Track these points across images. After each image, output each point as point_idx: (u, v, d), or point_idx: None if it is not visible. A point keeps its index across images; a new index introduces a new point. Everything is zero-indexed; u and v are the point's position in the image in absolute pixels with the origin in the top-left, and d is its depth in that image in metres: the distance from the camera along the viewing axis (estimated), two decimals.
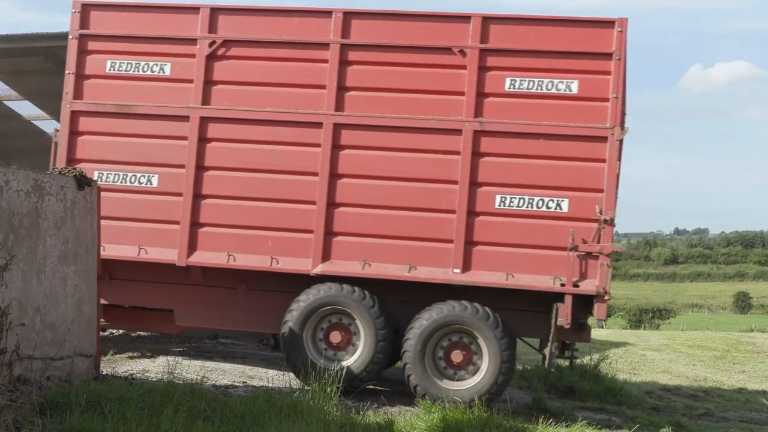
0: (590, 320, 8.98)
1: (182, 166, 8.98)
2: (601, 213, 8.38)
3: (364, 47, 8.87)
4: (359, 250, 8.73)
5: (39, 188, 6.66)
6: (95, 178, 8.47)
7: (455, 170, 8.62)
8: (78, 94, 9.21)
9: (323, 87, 8.87)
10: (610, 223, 8.40)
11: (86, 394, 6.08)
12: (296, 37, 8.96)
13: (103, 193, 7.86)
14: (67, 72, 9.21)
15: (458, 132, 8.64)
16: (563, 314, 8.32)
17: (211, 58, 9.05)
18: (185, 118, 9.01)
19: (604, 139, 8.46)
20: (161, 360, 9.52)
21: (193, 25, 9.10)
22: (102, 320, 8.84)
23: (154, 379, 7.79)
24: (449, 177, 8.64)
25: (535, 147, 8.57)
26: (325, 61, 8.88)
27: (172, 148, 9.03)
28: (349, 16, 8.90)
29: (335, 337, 8.78)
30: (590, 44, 8.57)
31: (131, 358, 9.71)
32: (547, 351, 8.64)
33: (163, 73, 9.14)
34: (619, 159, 8.54)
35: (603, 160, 8.46)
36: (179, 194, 8.97)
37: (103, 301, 8.65)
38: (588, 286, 8.34)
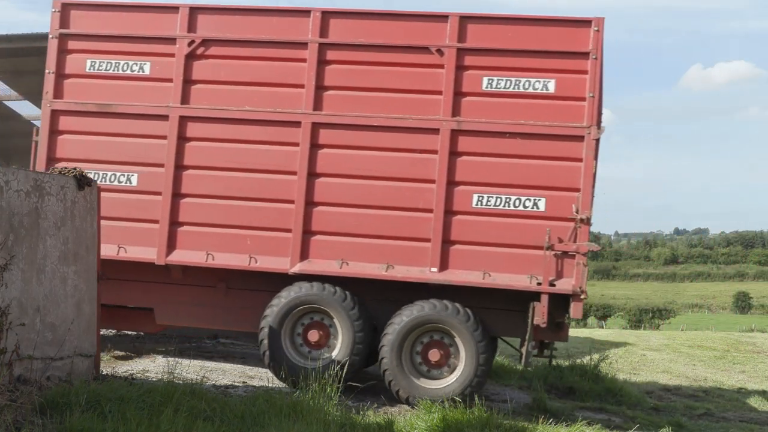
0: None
1: (161, 165, 9.02)
2: (577, 212, 8.40)
3: (342, 46, 8.90)
4: (337, 249, 8.75)
5: (39, 188, 6.68)
6: None
7: (433, 169, 8.64)
8: (58, 94, 9.24)
9: (302, 86, 8.89)
10: (587, 222, 8.42)
11: (86, 394, 6.10)
12: (275, 37, 8.99)
13: None
14: (47, 71, 9.24)
15: (436, 131, 8.66)
16: (539, 313, 8.33)
17: (191, 57, 9.07)
18: (164, 118, 9.04)
19: (580, 138, 8.48)
20: (161, 360, 9.56)
21: (173, 24, 9.12)
22: None
23: (154, 379, 7.82)
24: (427, 176, 8.66)
25: (512, 146, 8.59)
26: (304, 60, 8.91)
27: (151, 148, 9.06)
28: (327, 15, 8.93)
29: (313, 335, 8.80)
30: (567, 44, 8.59)
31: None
32: (523, 350, 8.67)
33: (143, 72, 9.17)
34: (596, 158, 8.56)
35: (580, 160, 8.48)
36: (158, 193, 9.00)
37: None
38: (564, 285, 8.36)
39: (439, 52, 8.72)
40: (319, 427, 6.48)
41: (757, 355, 19.54)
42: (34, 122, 20.74)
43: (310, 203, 8.81)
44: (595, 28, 8.53)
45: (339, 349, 8.70)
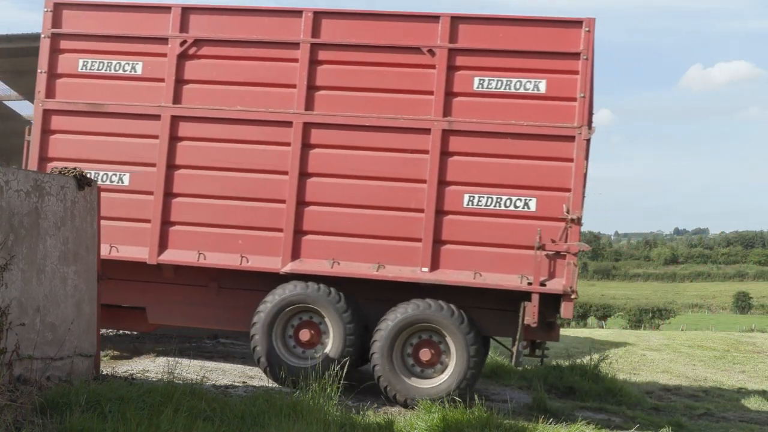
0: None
1: (153, 165, 9.03)
2: (568, 212, 8.41)
3: (334, 47, 8.91)
4: (328, 249, 8.77)
5: (39, 188, 6.68)
6: None
7: (424, 169, 8.66)
8: (50, 93, 9.26)
9: (293, 86, 8.91)
10: (578, 222, 8.43)
11: (86, 394, 6.10)
12: (267, 37, 9.00)
13: None
14: (39, 71, 9.26)
15: (427, 131, 8.68)
16: (530, 313, 8.35)
17: (183, 57, 9.09)
18: (156, 117, 9.06)
19: (571, 138, 8.50)
20: (161, 360, 9.57)
21: (165, 24, 9.14)
22: None
23: (154, 379, 7.82)
24: (418, 176, 8.68)
25: (503, 146, 8.61)
26: (296, 60, 8.92)
27: (143, 147, 9.08)
28: (319, 15, 8.95)
29: (305, 335, 8.82)
30: (558, 44, 8.60)
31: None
32: (514, 349, 8.69)
33: (135, 72, 9.18)
34: (587, 158, 8.57)
35: (570, 160, 8.49)
36: (150, 193, 9.02)
37: None
38: (555, 285, 8.37)
39: (431, 52, 8.73)
40: (319, 427, 6.49)
41: (757, 355, 19.50)
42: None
43: (301, 203, 8.83)
44: (586, 29, 8.54)
45: (330, 348, 8.72)
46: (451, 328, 8.51)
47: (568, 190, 8.47)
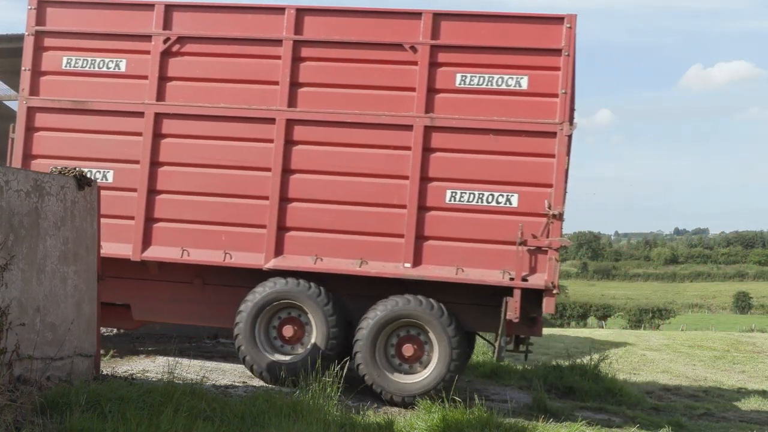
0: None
1: (137, 162, 9.06)
2: (549, 208, 8.44)
3: (316, 43, 8.94)
4: (311, 245, 8.80)
5: (39, 188, 6.67)
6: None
7: (406, 165, 8.68)
8: (34, 91, 9.30)
9: (276, 83, 8.94)
10: (559, 217, 8.46)
11: (86, 394, 6.09)
12: (250, 34, 9.03)
13: None
14: (23, 69, 9.30)
15: (409, 128, 8.70)
16: (512, 308, 8.37)
17: (166, 54, 9.12)
18: (140, 114, 9.09)
19: (553, 134, 8.52)
20: (161, 360, 9.59)
21: (148, 21, 9.17)
22: None
23: (154, 379, 7.83)
24: (400, 172, 8.70)
25: (485, 142, 8.63)
26: (278, 57, 8.95)
27: (127, 144, 9.10)
28: (301, 12, 8.97)
29: (288, 331, 8.85)
30: (540, 40, 8.62)
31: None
32: (497, 344, 8.70)
33: (119, 69, 9.21)
34: (568, 154, 8.60)
35: (552, 156, 8.51)
36: (134, 190, 9.04)
37: None
38: (537, 281, 8.40)
39: (413, 49, 8.76)
40: (319, 427, 6.49)
41: (757, 355, 19.43)
42: None
43: (284, 199, 8.85)
44: (568, 25, 8.56)
45: (313, 344, 8.74)
46: (434, 323, 8.53)
47: (550, 185, 8.50)
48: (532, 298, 8.54)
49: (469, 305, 8.86)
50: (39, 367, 6.51)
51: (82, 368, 7.14)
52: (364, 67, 8.86)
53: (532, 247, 8.44)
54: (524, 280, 8.40)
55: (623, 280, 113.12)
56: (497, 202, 8.58)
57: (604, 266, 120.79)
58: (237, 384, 8.80)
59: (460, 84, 8.72)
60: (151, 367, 9.21)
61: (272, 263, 8.81)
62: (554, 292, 8.37)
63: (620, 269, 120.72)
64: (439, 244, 8.63)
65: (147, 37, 9.15)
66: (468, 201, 8.61)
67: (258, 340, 8.84)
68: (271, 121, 8.90)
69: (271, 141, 8.89)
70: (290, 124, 8.88)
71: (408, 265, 8.60)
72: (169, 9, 9.13)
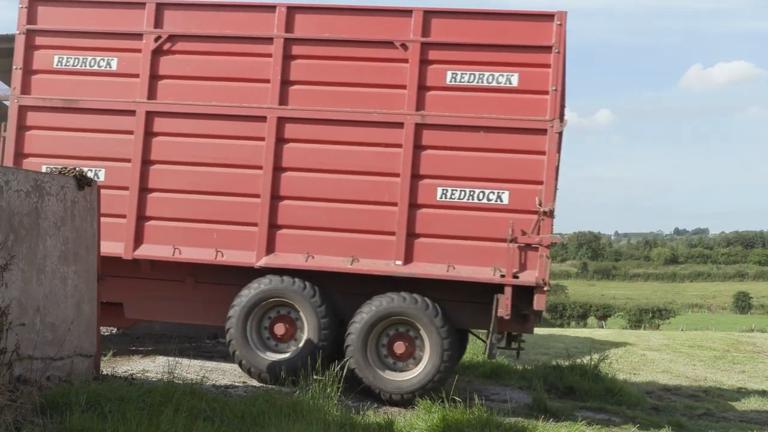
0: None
1: (128, 161, 9.07)
2: (540, 205, 8.44)
3: (307, 41, 8.95)
4: (303, 243, 8.80)
5: (39, 188, 6.67)
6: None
7: (397, 163, 8.69)
8: (26, 89, 9.29)
9: (267, 81, 8.95)
10: (550, 214, 8.46)
11: (86, 394, 6.09)
12: (241, 32, 9.04)
13: None
14: (14, 67, 9.29)
15: (400, 125, 8.71)
16: (503, 305, 8.38)
17: (157, 52, 9.13)
18: (131, 113, 9.09)
19: (543, 131, 8.53)
20: (161, 360, 9.60)
21: (139, 20, 9.18)
22: None
23: (154, 379, 7.83)
24: (392, 170, 8.71)
25: (476, 140, 8.63)
26: (269, 55, 8.96)
27: (118, 143, 9.11)
28: (292, 10, 8.98)
29: (279, 329, 8.86)
30: (530, 38, 8.63)
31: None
32: (488, 341, 8.70)
33: (110, 67, 9.22)
34: (559, 151, 8.60)
35: (543, 153, 8.52)
36: (126, 188, 9.05)
37: None
38: (528, 278, 8.40)
39: (404, 46, 8.76)
40: (319, 427, 6.49)
41: (757, 355, 19.39)
42: None
43: (275, 197, 8.86)
44: (558, 22, 8.57)
45: (305, 341, 8.74)
46: (425, 320, 8.54)
47: (541, 182, 8.50)
48: (524, 295, 8.53)
49: (461, 302, 8.86)
50: (39, 367, 6.51)
51: (82, 368, 7.14)
52: (355, 65, 8.86)
53: (522, 244, 8.44)
54: (515, 277, 8.41)
55: (623, 280, 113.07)
56: (488, 200, 8.58)
57: (604, 266, 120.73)
58: (237, 384, 8.79)
59: (450, 81, 8.73)
60: (151, 367, 9.22)
61: (263, 261, 8.82)
62: (545, 289, 8.37)
63: (620, 269, 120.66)
64: (430, 241, 8.64)
65: (138, 36, 9.16)
66: (459, 198, 8.62)
67: (249, 338, 8.84)
68: (263, 119, 8.90)
69: (262, 139, 8.89)
70: (281, 122, 8.89)
71: (399, 262, 8.61)
72: (160, 7, 9.14)
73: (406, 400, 8.53)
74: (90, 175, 8.94)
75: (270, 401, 6.96)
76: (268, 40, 8.96)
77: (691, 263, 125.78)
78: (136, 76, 9.13)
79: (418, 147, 8.68)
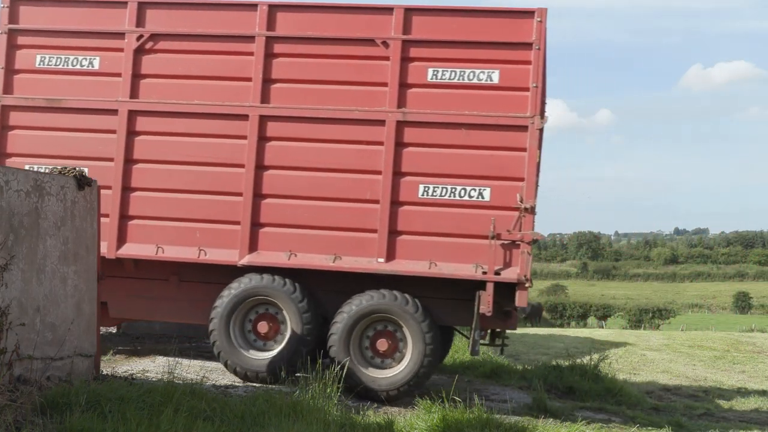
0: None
1: (111, 160, 9.08)
2: (522, 201, 8.45)
3: (289, 39, 8.97)
4: (286, 241, 8.81)
5: (39, 188, 6.67)
6: None
7: (379, 160, 8.70)
8: (8, 89, 9.31)
9: (249, 79, 8.96)
10: (531, 211, 8.47)
11: (86, 394, 6.09)
12: (222, 30, 9.06)
13: None
14: None
15: (381, 123, 8.72)
16: (485, 302, 8.38)
17: (139, 51, 9.15)
18: (114, 112, 9.11)
19: (524, 128, 8.54)
20: (161, 360, 9.60)
21: (121, 19, 9.20)
22: None
23: (154, 379, 7.83)
24: (373, 167, 8.72)
25: (457, 137, 8.65)
26: (251, 53, 8.97)
27: (101, 142, 9.13)
28: (274, 8, 8.99)
29: (263, 327, 8.87)
30: (510, 35, 8.64)
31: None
32: (471, 338, 8.71)
33: (92, 67, 9.24)
34: (540, 148, 8.61)
35: (524, 149, 8.53)
36: (108, 187, 9.04)
37: None
38: (509, 274, 8.41)
39: (384, 44, 8.78)
40: (319, 427, 6.49)
41: (757, 355, 19.34)
42: None
43: (258, 195, 8.87)
44: (538, 19, 8.58)
45: (288, 339, 8.75)
46: (407, 318, 8.54)
47: (522, 179, 8.51)
48: (506, 291, 8.54)
49: (444, 300, 8.86)
50: (39, 367, 6.51)
51: (82, 368, 7.15)
52: (337, 63, 8.88)
53: (504, 241, 8.45)
54: (497, 273, 8.41)
55: (623, 280, 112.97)
56: (470, 197, 8.59)
57: (604, 266, 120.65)
58: (237, 384, 8.78)
59: (432, 78, 8.75)
60: (151, 367, 9.23)
61: (246, 259, 8.82)
62: (527, 285, 8.38)
63: (620, 269, 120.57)
64: (412, 238, 8.65)
65: (120, 35, 9.17)
66: (441, 195, 8.63)
67: (233, 336, 8.85)
68: (245, 117, 8.92)
69: (244, 137, 8.91)
70: (263, 120, 8.90)
71: (381, 260, 8.62)
72: (142, 6, 9.16)
73: (390, 397, 8.55)
74: None
75: (270, 401, 6.97)
76: (250, 38, 8.98)
77: (691, 263, 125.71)
78: (119, 75, 9.15)
79: (399, 144, 8.69)
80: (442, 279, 8.60)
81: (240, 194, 8.87)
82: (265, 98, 8.92)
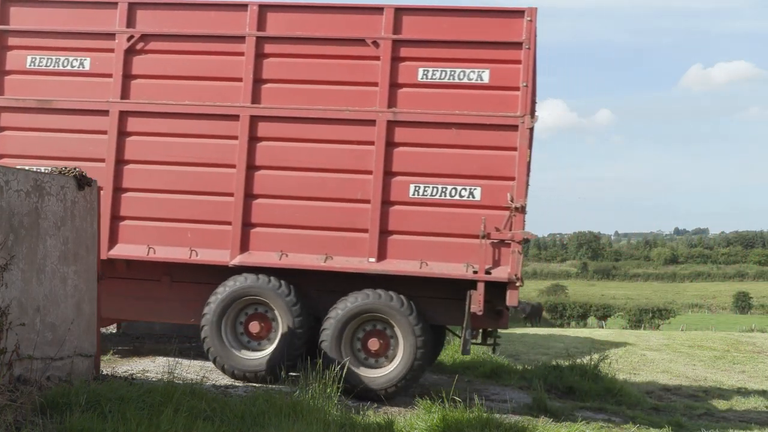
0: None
1: (102, 160, 9.08)
2: (512, 201, 8.45)
3: (279, 39, 8.97)
4: (277, 241, 8.81)
5: (39, 188, 6.66)
6: None
7: (370, 160, 8.70)
8: None
9: (240, 80, 8.96)
10: (522, 210, 8.47)
11: (86, 394, 6.10)
12: (213, 31, 9.06)
13: None
14: None
15: (372, 122, 8.72)
16: (476, 301, 8.38)
17: (130, 52, 9.15)
18: (105, 113, 9.12)
19: (515, 127, 8.54)
20: (161, 360, 9.61)
21: (112, 19, 9.20)
22: None
23: (154, 379, 7.84)
24: (364, 167, 8.72)
25: (447, 136, 8.65)
26: (242, 53, 8.98)
27: (92, 143, 9.13)
28: (264, 9, 9.00)
29: (254, 327, 8.87)
30: (500, 34, 8.64)
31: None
32: (462, 337, 8.70)
33: (83, 67, 9.24)
34: (530, 147, 8.61)
35: (514, 149, 8.53)
36: (100, 188, 9.03)
37: None
38: (500, 273, 8.41)
39: (375, 44, 8.78)
40: (319, 427, 6.50)
41: (757, 355, 19.33)
42: None
43: (249, 196, 8.87)
44: (528, 19, 8.58)
45: (280, 339, 8.75)
46: (398, 317, 8.54)
47: (512, 178, 8.51)
48: (497, 291, 8.54)
49: (435, 299, 8.87)
50: (39, 367, 6.51)
51: (82, 368, 7.15)
52: (327, 63, 8.89)
53: (495, 240, 8.45)
54: (488, 273, 8.41)
55: (623, 280, 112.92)
56: (460, 196, 8.59)
57: (604, 266, 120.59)
58: (237, 384, 8.79)
59: (422, 78, 8.75)
60: (151, 367, 9.23)
61: (238, 260, 8.83)
62: (517, 284, 8.38)
63: (620, 269, 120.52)
64: (403, 238, 8.65)
65: (111, 35, 9.18)
66: (431, 195, 8.63)
67: (225, 336, 8.86)
68: (235, 117, 8.92)
69: (235, 138, 8.91)
70: (254, 120, 8.90)
71: (372, 259, 8.62)
72: (132, 7, 9.16)
73: (389, 394, 8.57)
74: None
75: (270, 401, 6.98)
76: (241, 38, 8.99)
77: (691, 263, 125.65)
78: (109, 75, 9.15)
79: (390, 144, 8.69)
80: (433, 278, 8.60)
81: (231, 194, 8.87)
82: (255, 98, 8.93)
